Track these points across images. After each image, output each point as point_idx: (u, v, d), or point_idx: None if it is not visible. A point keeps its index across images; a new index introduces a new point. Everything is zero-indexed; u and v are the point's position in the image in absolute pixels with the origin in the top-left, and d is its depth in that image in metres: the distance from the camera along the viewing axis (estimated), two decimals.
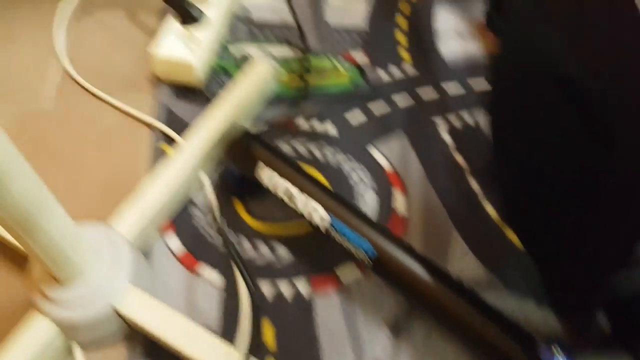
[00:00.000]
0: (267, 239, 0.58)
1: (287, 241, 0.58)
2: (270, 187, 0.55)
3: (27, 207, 0.38)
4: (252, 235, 0.59)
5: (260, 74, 0.67)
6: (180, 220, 0.59)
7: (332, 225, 0.51)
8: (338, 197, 0.52)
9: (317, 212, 0.51)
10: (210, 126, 0.61)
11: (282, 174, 0.54)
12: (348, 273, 0.56)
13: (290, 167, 0.55)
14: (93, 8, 0.80)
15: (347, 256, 0.52)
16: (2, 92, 0.71)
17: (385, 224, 0.60)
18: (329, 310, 0.54)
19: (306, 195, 0.52)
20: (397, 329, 0.53)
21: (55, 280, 0.46)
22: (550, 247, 0.47)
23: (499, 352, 0.45)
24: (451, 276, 0.48)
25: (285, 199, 0.54)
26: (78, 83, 0.70)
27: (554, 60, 0.37)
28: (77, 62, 0.73)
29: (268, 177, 0.55)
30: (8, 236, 0.50)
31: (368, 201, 0.62)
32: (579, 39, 0.35)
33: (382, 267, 0.49)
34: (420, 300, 0.48)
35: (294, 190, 0.53)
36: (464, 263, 0.57)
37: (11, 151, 0.35)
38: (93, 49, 0.75)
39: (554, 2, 0.40)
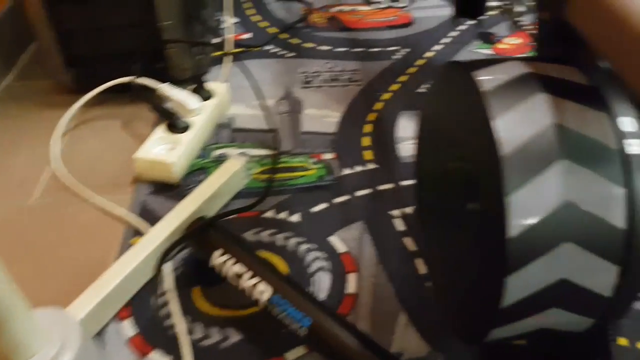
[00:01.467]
0: (222, 325, 0.63)
1: (241, 326, 0.63)
2: (223, 269, 0.61)
3: None
4: (207, 321, 0.63)
5: (231, 169, 0.77)
6: (137, 305, 0.65)
7: (272, 300, 0.56)
8: (279, 275, 0.58)
9: (259, 289, 0.57)
10: (175, 217, 0.69)
11: (232, 256, 0.60)
12: (294, 353, 0.60)
13: (240, 249, 0.61)
14: (92, 118, 0.94)
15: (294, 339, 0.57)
16: None
17: (338, 301, 0.65)
18: None
19: (251, 273, 0.58)
20: None
21: None
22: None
23: None
24: (381, 347, 0.52)
25: (234, 279, 0.59)
26: (64, 183, 0.81)
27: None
28: (70, 164, 0.85)
29: (221, 262, 0.61)
30: None
31: (322, 281, 0.67)
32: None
33: (316, 338, 0.53)
34: None
35: (242, 270, 0.59)
36: (407, 339, 0.61)
37: None
38: (85, 153, 0.88)
39: None
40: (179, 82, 0.90)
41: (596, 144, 0.35)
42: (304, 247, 0.72)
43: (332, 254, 0.71)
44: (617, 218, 0.35)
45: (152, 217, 0.75)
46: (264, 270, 0.58)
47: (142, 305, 0.65)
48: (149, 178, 0.80)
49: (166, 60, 0.93)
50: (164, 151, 0.79)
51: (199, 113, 0.86)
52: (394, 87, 1.02)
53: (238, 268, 0.59)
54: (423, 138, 0.55)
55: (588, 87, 0.38)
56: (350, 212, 0.77)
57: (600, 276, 0.36)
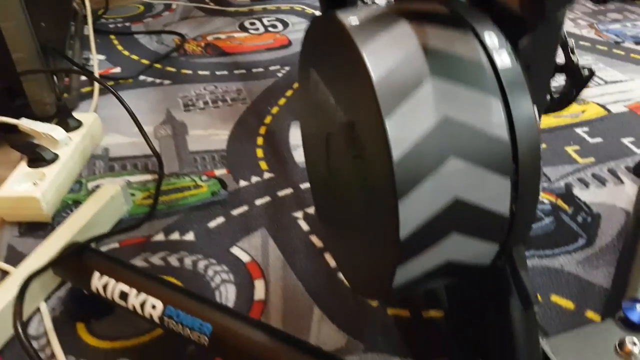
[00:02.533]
0: (114, 357, 0.56)
1: (137, 355, 0.56)
2: (107, 295, 0.55)
3: None
4: (95, 356, 0.56)
5: (105, 196, 0.70)
6: (10, 352, 0.57)
7: (165, 313, 0.51)
8: (172, 285, 0.53)
9: (149, 304, 0.51)
10: (44, 251, 0.61)
11: (114, 277, 0.54)
12: None
13: (122, 268, 0.56)
14: None
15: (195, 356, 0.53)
16: None
17: (246, 310, 0.60)
18: None
19: (136, 290, 0.53)
20: None
21: None
22: None
23: None
24: (292, 336, 0.49)
25: (120, 302, 0.54)
26: None
27: None
28: None
29: (102, 284, 0.55)
30: None
31: (227, 293, 0.62)
32: None
33: (220, 343, 0.48)
34: None
35: (126, 288, 0.53)
36: (324, 333, 0.57)
37: None
38: None
39: None
40: (43, 119, 0.83)
41: (465, 59, 0.35)
42: (202, 263, 0.67)
43: (235, 265, 0.66)
44: (498, 128, 0.35)
45: (20, 260, 0.67)
46: (151, 284, 0.53)
47: (15, 351, 0.57)
48: (15, 219, 0.72)
49: (26, 96, 0.86)
50: (26, 186, 0.71)
51: (66, 144, 0.79)
52: (281, 101, 1.01)
53: (122, 287, 0.53)
54: (303, 114, 0.54)
55: (451, 13, 0.39)
56: (251, 221, 0.73)
57: (493, 191, 0.36)
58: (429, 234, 0.34)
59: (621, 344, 0.45)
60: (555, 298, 0.61)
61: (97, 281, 0.55)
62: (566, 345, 0.45)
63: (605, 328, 0.47)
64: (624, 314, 0.47)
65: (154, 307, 0.51)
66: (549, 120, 0.93)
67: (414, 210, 0.33)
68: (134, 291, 0.52)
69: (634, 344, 0.44)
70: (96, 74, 1.05)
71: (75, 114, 0.86)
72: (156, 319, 0.51)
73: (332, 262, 0.67)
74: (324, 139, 0.46)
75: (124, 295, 0.53)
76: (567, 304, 0.60)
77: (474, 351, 0.44)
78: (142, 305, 0.52)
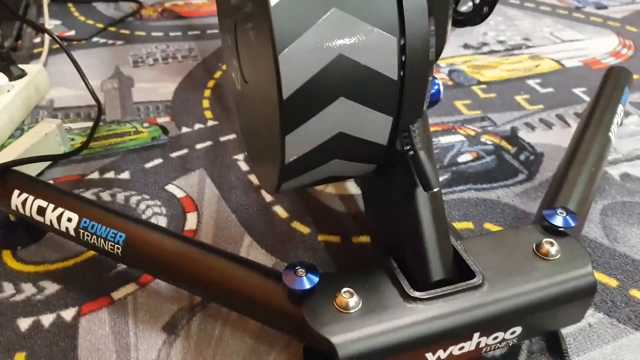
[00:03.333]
0: (37, 279, 0.55)
1: (60, 277, 0.56)
2: (26, 212, 0.54)
3: None
4: (18, 279, 0.55)
5: (43, 131, 0.70)
6: None
7: (80, 225, 0.50)
8: (88, 200, 0.53)
9: (65, 218, 0.51)
10: None
11: (33, 194, 0.54)
12: (123, 291, 0.54)
13: (41, 185, 0.55)
14: None
15: (120, 277, 0.53)
16: None
17: None
18: (95, 330, 0.50)
19: (54, 205, 0.52)
20: (173, 328, 0.50)
21: None
22: None
23: (257, 301, 0.44)
24: (203, 242, 0.49)
25: (38, 217, 0.53)
26: None
27: None
28: None
29: (21, 202, 0.54)
30: None
31: (158, 224, 0.61)
32: None
33: (133, 251, 0.48)
34: (173, 270, 0.47)
35: (44, 204, 0.52)
36: (252, 256, 0.57)
37: None
38: None
39: None
40: None
41: None
42: (135, 199, 0.66)
43: (168, 200, 0.65)
44: (389, 69, 0.35)
45: None
46: (67, 199, 0.52)
47: None
48: None
49: None
50: None
51: (8, 90, 0.79)
52: None
53: (40, 202, 0.52)
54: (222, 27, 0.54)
55: None
56: (190, 162, 0.72)
57: (375, 127, 0.36)
58: (312, 160, 0.36)
59: (538, 245, 0.45)
60: (488, 225, 0.61)
61: (16, 199, 0.54)
62: (481, 245, 0.45)
63: (525, 232, 0.47)
64: (545, 220, 0.47)
65: (69, 220, 0.50)
66: (499, 74, 0.94)
67: (299, 143, 0.35)
68: (51, 206, 0.52)
69: (551, 244, 0.44)
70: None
71: (21, 66, 0.85)
72: (72, 232, 0.50)
73: (268, 197, 0.66)
74: (234, 45, 0.46)
75: (41, 211, 0.52)
76: (499, 229, 0.60)
77: (386, 251, 0.44)
78: (59, 219, 0.51)
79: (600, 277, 0.55)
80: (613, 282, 0.54)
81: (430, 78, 0.38)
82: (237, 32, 0.44)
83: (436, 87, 0.45)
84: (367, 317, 0.40)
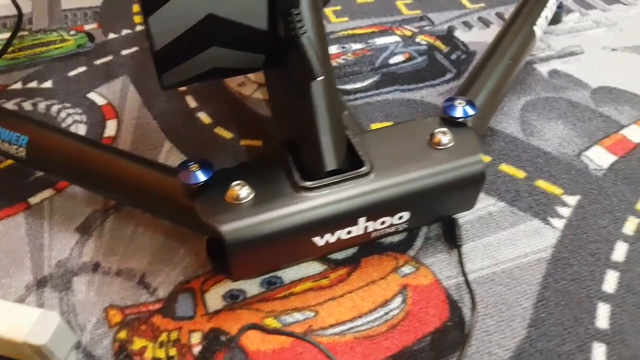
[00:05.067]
0: None
1: None
2: None
3: None
4: None
5: None
6: None
7: None
8: None
9: None
10: None
11: None
12: (40, 196, 0.56)
13: None
14: None
15: (38, 184, 0.55)
16: None
17: None
18: (10, 233, 0.53)
19: None
20: (86, 229, 0.53)
21: None
22: None
23: (159, 198, 0.46)
24: (108, 145, 0.50)
25: None
26: None
27: None
28: None
29: None
30: None
31: (77, 131, 0.62)
32: None
33: (37, 153, 0.49)
34: (76, 171, 0.49)
35: None
36: (171, 161, 0.59)
37: None
38: None
39: None
40: None
41: None
42: (56, 107, 0.66)
43: (89, 108, 0.66)
44: None
45: None
46: None
47: None
48: None
49: None
50: None
51: None
52: None
53: None
54: None
55: None
56: (114, 69, 0.72)
57: (248, 9, 0.36)
58: (186, 48, 0.36)
59: (432, 135, 0.47)
60: None
61: None
62: (378, 137, 0.47)
63: (423, 123, 0.48)
64: (444, 111, 0.48)
65: None
66: None
67: (165, 26, 0.34)
68: None
69: (444, 133, 0.46)
70: None
71: None
72: None
73: (193, 103, 0.67)
74: None
75: None
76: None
77: (282, 144, 0.46)
78: None
79: (508, 169, 0.57)
80: (521, 174, 0.57)
81: None
82: None
83: None
84: (256, 207, 0.42)
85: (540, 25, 0.65)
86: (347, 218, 0.43)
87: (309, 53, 0.40)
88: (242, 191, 0.42)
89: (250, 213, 0.42)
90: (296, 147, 0.45)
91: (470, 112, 0.48)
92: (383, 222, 0.45)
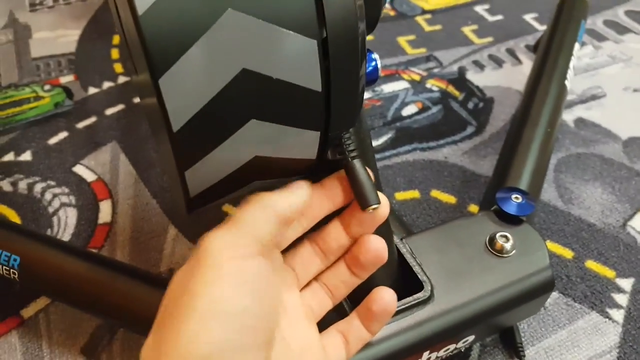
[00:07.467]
0: None
1: None
2: None
3: None
4: None
5: None
6: None
7: None
8: None
9: None
10: None
11: None
12: (34, 307, 0.48)
13: None
14: None
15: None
16: None
17: (88, 235, 0.54)
18: (4, 355, 0.46)
19: None
20: (92, 350, 0.46)
21: None
22: None
23: None
24: (107, 257, 0.43)
25: None
26: None
27: None
28: None
29: None
30: None
31: (67, 219, 0.55)
32: None
33: (30, 275, 0.42)
34: (76, 295, 0.42)
35: None
36: (179, 252, 0.52)
37: None
38: None
39: None
40: None
41: None
42: (39, 186, 0.59)
43: (77, 185, 0.59)
44: (310, 79, 0.27)
45: None
46: None
47: None
48: None
49: None
50: None
51: None
52: None
53: None
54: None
55: None
56: (99, 134, 0.65)
57: (299, 145, 0.30)
58: (214, 122, 0.28)
59: (492, 240, 0.41)
60: (435, 193, 0.57)
61: None
62: (428, 243, 0.41)
63: (476, 222, 0.43)
64: (497, 206, 0.43)
65: None
66: (445, 0, 0.87)
67: (180, 89, 0.26)
68: None
69: (506, 238, 0.41)
70: None
71: None
72: None
73: None
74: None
75: None
76: (449, 198, 0.57)
77: None
78: None
79: (555, 248, 0.52)
80: (568, 253, 0.52)
81: (363, 73, 0.32)
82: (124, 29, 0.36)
83: (373, 63, 0.39)
84: None
85: (570, 78, 0.60)
86: (412, 352, 0.37)
87: (361, 178, 0.34)
88: None
89: None
90: None
91: (528, 210, 0.43)
92: (447, 349, 0.39)
